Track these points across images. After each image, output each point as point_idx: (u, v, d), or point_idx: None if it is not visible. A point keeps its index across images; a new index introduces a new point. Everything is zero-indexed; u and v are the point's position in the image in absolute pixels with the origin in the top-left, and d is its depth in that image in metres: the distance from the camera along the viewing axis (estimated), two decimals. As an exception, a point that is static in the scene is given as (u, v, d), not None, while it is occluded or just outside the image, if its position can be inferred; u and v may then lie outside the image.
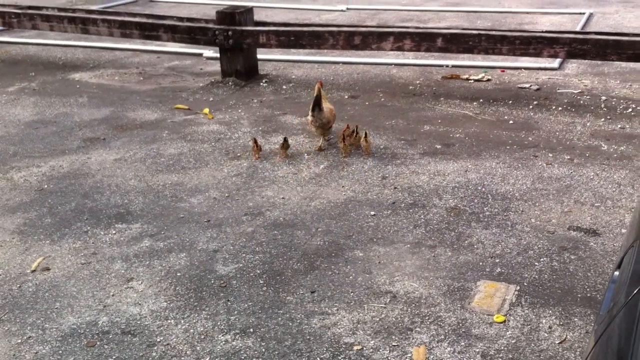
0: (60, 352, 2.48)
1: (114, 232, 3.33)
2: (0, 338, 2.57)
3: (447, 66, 6.15)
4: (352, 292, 2.80)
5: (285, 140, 4.22)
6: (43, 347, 2.50)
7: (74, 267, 3.02)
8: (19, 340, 2.55)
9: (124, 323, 2.62)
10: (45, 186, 3.87)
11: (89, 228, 3.37)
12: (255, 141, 4.22)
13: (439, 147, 4.34)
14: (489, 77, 5.79)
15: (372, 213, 3.48)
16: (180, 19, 6.07)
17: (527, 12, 8.56)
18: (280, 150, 4.22)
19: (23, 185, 3.89)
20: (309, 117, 4.29)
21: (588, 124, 4.66)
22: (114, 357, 2.44)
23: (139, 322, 2.62)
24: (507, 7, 8.96)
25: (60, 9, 6.81)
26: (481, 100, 5.23)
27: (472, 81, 5.73)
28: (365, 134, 4.20)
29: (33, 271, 3.01)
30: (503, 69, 6.02)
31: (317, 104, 4.23)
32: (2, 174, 4.05)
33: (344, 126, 4.31)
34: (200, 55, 6.70)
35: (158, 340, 2.52)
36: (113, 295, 2.81)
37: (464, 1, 9.54)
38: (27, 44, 7.44)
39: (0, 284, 2.91)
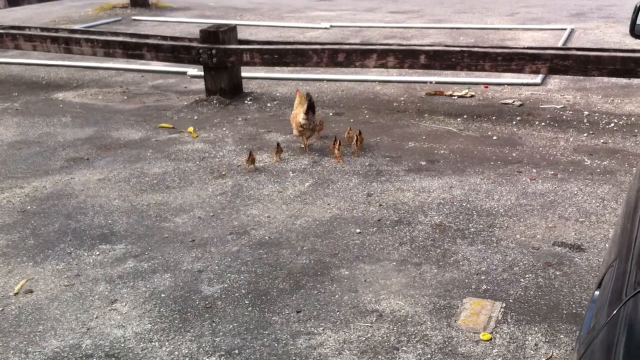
0: (43, 376, 2.44)
1: (97, 253, 3.30)
2: (-18, 363, 2.53)
3: (430, 83, 6.19)
4: (338, 311, 2.79)
5: (278, 145, 4.41)
6: (25, 372, 2.46)
7: (57, 289, 2.99)
8: (1, 365, 2.51)
9: (108, 346, 2.59)
10: (28, 207, 3.83)
11: (72, 249, 3.34)
12: (251, 153, 4.28)
13: (423, 163, 4.35)
14: (473, 93, 5.83)
15: (358, 231, 3.47)
16: (164, 37, 6.08)
17: (509, 29, 8.64)
18: (275, 155, 4.37)
19: (6, 206, 3.85)
20: (301, 120, 4.43)
21: (571, 139, 4.69)
22: (97, 381, 2.41)
23: (122, 345, 2.59)
24: (489, 23, 9.05)
25: (43, 29, 6.80)
26: (465, 116, 5.26)
27: (455, 97, 5.76)
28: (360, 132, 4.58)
29: (16, 294, 2.97)
30: (486, 84, 6.07)
31: (311, 108, 4.43)
32: (-16, 195, 4.02)
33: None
34: (184, 73, 6.70)
35: (142, 363, 2.49)
36: (97, 318, 2.78)
37: (447, 18, 9.62)
38: (10, 63, 7.41)
39: (-18, 308, 2.87)
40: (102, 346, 2.59)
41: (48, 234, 3.51)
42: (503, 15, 9.72)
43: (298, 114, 4.51)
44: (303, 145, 4.62)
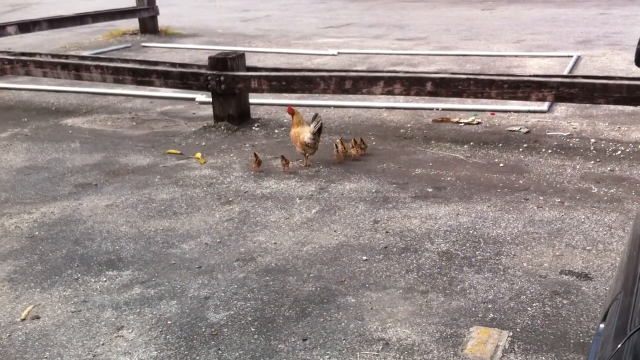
0: (48, 404, 2.44)
1: (104, 279, 3.31)
2: (-13, 390, 2.53)
3: (437, 109, 6.22)
4: (344, 339, 2.78)
5: (283, 157, 4.74)
6: (31, 399, 2.46)
7: (64, 316, 3.00)
8: (6, 392, 2.51)
9: (114, 373, 2.59)
10: (37, 233, 3.85)
11: (79, 275, 3.35)
12: (256, 155, 4.68)
13: (430, 190, 4.36)
14: (479, 120, 5.85)
15: (364, 258, 3.47)
16: (173, 64, 6.14)
17: (516, 56, 8.69)
18: (282, 165, 4.72)
19: (14, 232, 3.88)
20: (307, 139, 4.71)
21: (578, 167, 4.69)
22: (102, 409, 2.40)
23: (128, 372, 2.59)
24: (495, 50, 9.10)
25: (53, 55, 6.89)
26: (472, 143, 5.27)
27: (462, 124, 5.79)
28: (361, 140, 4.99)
29: (23, 320, 2.98)
30: (493, 111, 6.09)
31: (319, 130, 4.73)
32: (-7, 220, 4.04)
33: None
34: (192, 99, 6.75)
35: (148, 390, 2.48)
36: (103, 344, 2.78)
37: (453, 45, 9.69)
38: (20, 89, 7.49)
39: (-11, 334, 2.88)
40: (108, 373, 2.59)
41: (55, 259, 3.53)
42: (509, 42, 9.78)
43: (302, 133, 4.76)
44: (304, 163, 4.87)
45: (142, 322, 2.93)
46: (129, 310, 3.03)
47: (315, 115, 4.83)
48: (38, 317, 3.00)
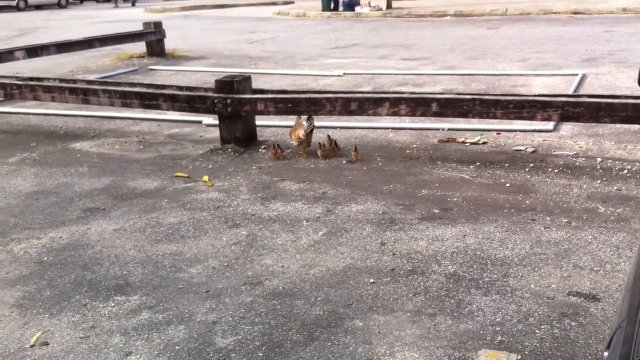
0: None
1: (112, 304, 3.32)
2: (-4, 417, 2.53)
3: (443, 129, 6.24)
4: (352, 363, 2.77)
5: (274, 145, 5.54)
6: None
7: (72, 342, 3.01)
8: (15, 420, 2.52)
9: (122, 400, 2.59)
10: (45, 258, 3.88)
11: (87, 301, 3.36)
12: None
13: (437, 211, 4.36)
14: (485, 140, 5.87)
15: (372, 280, 3.47)
16: (180, 87, 6.19)
17: (521, 75, 8.72)
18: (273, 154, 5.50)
19: (23, 257, 3.90)
20: (301, 135, 5.50)
21: (584, 186, 4.69)
22: None
23: (136, 399, 2.59)
24: (501, 69, 9.14)
25: (61, 80, 6.96)
26: (478, 163, 5.28)
27: (468, 144, 5.80)
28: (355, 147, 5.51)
29: (32, 346, 2.99)
30: (499, 131, 6.10)
31: (311, 131, 5.55)
32: (2, 246, 4.07)
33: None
34: (199, 122, 6.80)
35: (156, 417, 2.48)
36: (111, 371, 2.78)
37: (458, 64, 9.74)
38: (29, 114, 7.56)
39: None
40: (116, 400, 2.59)
41: (64, 285, 3.54)
42: (514, 61, 9.82)
43: (298, 130, 5.56)
44: (301, 152, 5.65)
45: (150, 347, 2.94)
46: (137, 336, 3.03)
47: (309, 117, 5.54)
48: (47, 343, 3.01)
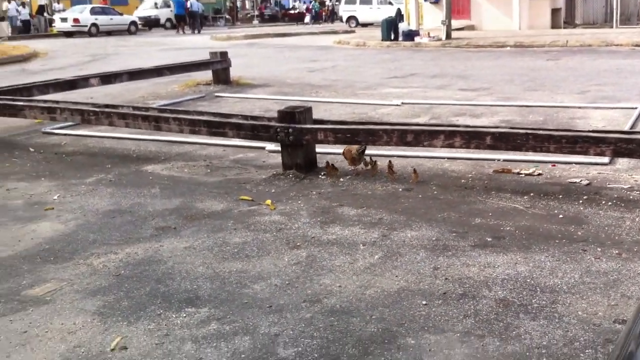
0: None
1: (184, 315, 3.62)
2: (83, 411, 2.84)
3: (498, 160, 6.39)
4: (403, 377, 2.98)
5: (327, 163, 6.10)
6: (121, 420, 2.76)
7: (148, 347, 3.31)
8: (100, 413, 2.81)
9: (194, 400, 2.86)
10: (122, 272, 4.22)
11: (161, 311, 3.67)
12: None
13: (489, 239, 4.54)
14: (540, 172, 6.00)
15: (424, 302, 3.68)
16: (245, 117, 6.55)
17: (579, 107, 8.79)
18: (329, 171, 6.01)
19: (102, 270, 4.25)
20: (354, 154, 6.00)
21: (637, 219, 4.79)
22: None
23: (207, 400, 2.86)
24: (559, 101, 9.23)
25: (134, 107, 7.43)
26: (532, 194, 5.42)
27: (523, 175, 5.94)
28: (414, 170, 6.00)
29: (112, 350, 3.30)
30: (554, 163, 6.22)
31: (363, 152, 6.06)
32: (83, 259, 4.44)
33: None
34: (263, 148, 7.14)
35: (224, 417, 2.74)
36: (183, 374, 3.06)
37: (517, 95, 9.86)
38: (103, 137, 8.05)
39: (83, 361, 3.21)
40: (189, 400, 2.87)
41: (140, 296, 3.87)
42: (573, 93, 9.88)
43: (351, 149, 6.03)
44: (353, 168, 6.16)
45: (218, 355, 3.21)
46: (206, 344, 3.32)
47: (363, 145, 6.05)
48: (125, 348, 3.32)
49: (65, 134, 8.30)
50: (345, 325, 3.45)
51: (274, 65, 14.83)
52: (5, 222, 5.21)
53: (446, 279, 3.96)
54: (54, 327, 3.55)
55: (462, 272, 4.05)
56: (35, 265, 4.35)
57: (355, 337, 3.34)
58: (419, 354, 3.16)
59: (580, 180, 5.70)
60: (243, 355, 3.20)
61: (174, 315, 3.62)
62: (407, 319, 3.50)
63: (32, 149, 7.62)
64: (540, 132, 5.19)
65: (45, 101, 7.84)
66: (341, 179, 6.02)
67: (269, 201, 5.47)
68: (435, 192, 5.57)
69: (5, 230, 5.04)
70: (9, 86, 9.32)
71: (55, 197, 5.79)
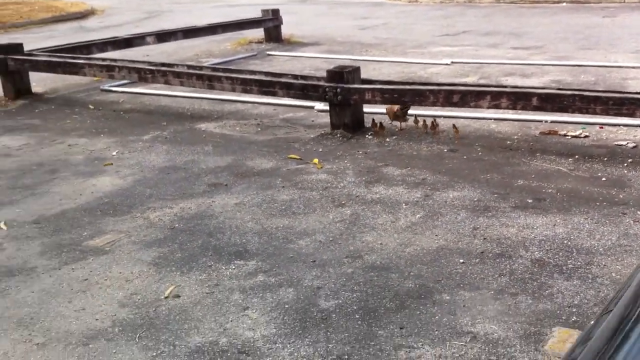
0: (189, 365, 2.99)
1: (233, 267, 3.87)
2: (140, 352, 3.12)
3: (545, 122, 6.40)
4: (436, 330, 3.16)
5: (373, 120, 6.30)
6: (175, 361, 3.03)
7: (199, 295, 3.57)
8: (154, 354, 3.09)
9: (240, 344, 3.11)
10: (176, 225, 4.48)
11: (212, 263, 3.93)
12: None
13: (530, 201, 4.62)
14: (587, 134, 6.00)
15: (461, 261, 3.83)
16: (295, 76, 6.70)
17: (633, 67, 8.63)
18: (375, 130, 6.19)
19: (158, 223, 4.53)
20: (397, 110, 6.14)
21: (681, 183, 4.80)
22: (232, 372, 2.93)
23: (252, 345, 3.11)
24: (612, 61, 9.06)
25: (189, 66, 7.64)
26: (576, 156, 5.45)
27: (569, 137, 5.96)
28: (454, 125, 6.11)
29: (166, 297, 3.57)
30: (602, 125, 6.20)
31: (406, 111, 6.20)
32: (140, 213, 4.72)
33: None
34: (312, 108, 7.29)
35: (268, 360, 2.99)
36: (231, 321, 3.31)
37: (570, 54, 9.70)
38: (159, 95, 8.31)
39: (140, 307, 3.49)
40: (236, 344, 3.12)
41: (192, 248, 4.13)
42: (628, 52, 9.66)
43: (394, 108, 6.17)
44: (398, 126, 6.36)
45: (264, 304, 3.45)
46: (253, 294, 3.55)
47: (407, 104, 6.16)
48: (178, 296, 3.58)
49: (122, 92, 8.61)
50: (384, 281, 3.64)
51: (325, 22, 14.84)
52: (68, 177, 5.55)
53: (484, 238, 4.09)
54: (113, 275, 3.84)
55: (501, 232, 4.17)
56: (95, 218, 4.65)
57: (393, 291, 3.52)
58: (453, 309, 3.33)
59: (627, 143, 5.69)
60: (287, 306, 3.43)
61: (223, 267, 3.87)
62: (443, 276, 3.67)
63: (91, 106, 7.95)
64: (587, 93, 5.19)
65: (103, 59, 8.12)
66: (387, 139, 6.14)
67: (316, 160, 5.65)
68: (480, 154, 5.65)
69: (67, 184, 5.36)
70: (68, 44, 9.65)
71: (114, 153, 6.09)
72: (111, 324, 3.35)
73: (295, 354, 3.03)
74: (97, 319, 3.39)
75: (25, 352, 3.16)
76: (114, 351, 3.12)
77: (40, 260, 4.07)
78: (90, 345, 3.17)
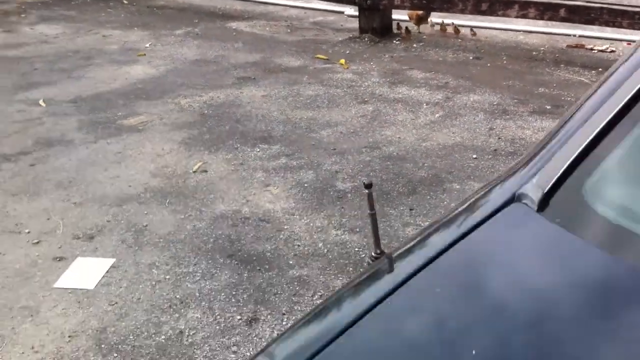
0: (212, 227, 3.27)
1: (258, 150, 4.10)
2: (169, 214, 3.40)
3: (574, 36, 6.41)
4: (443, 212, 3.38)
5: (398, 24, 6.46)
6: (199, 223, 3.31)
7: (225, 172, 3.82)
8: (182, 217, 3.37)
9: (261, 214, 3.37)
10: (206, 111, 4.70)
11: (238, 145, 4.16)
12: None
13: (548, 107, 4.75)
14: (614, 49, 6.02)
15: (474, 156, 4.01)
16: (327, -22, 6.72)
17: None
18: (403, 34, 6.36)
19: (188, 109, 4.75)
20: (420, 14, 6.29)
21: (700, 99, 4.86)
22: (251, 234, 3.20)
23: (272, 214, 3.37)
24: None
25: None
26: (600, 69, 5.50)
27: (595, 51, 5.99)
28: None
29: (194, 171, 3.83)
30: (629, 42, 6.20)
31: (427, 17, 6.41)
32: (172, 99, 4.94)
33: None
34: (342, 12, 7.34)
35: (285, 227, 3.25)
36: (254, 195, 3.57)
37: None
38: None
39: (170, 178, 3.76)
40: (257, 213, 3.38)
41: (220, 132, 4.35)
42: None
43: (417, 12, 6.32)
44: (417, 27, 6.47)
45: (285, 182, 3.69)
46: (275, 174, 3.79)
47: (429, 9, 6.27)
48: (206, 171, 3.83)
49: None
50: (399, 169, 3.85)
51: None
52: (102, 64, 5.76)
53: (499, 138, 4.26)
54: (145, 150, 4.10)
55: (516, 133, 4.32)
56: (129, 101, 4.89)
57: (407, 178, 3.74)
58: (461, 196, 3.54)
59: (653, 60, 5.70)
60: (306, 185, 3.67)
61: (249, 149, 4.10)
62: (456, 168, 3.86)
63: (125, 1, 8.07)
64: (615, 6, 5.21)
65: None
66: (414, 45, 6.22)
67: (342, 60, 5.78)
68: (504, 62, 5.72)
69: (102, 70, 5.58)
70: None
71: (147, 45, 6.27)
72: (143, 190, 3.62)
73: (311, 224, 3.28)
74: (130, 186, 3.67)
75: (64, 209, 3.46)
76: (146, 212, 3.41)
77: (77, 134, 4.34)
78: (124, 207, 3.46)
